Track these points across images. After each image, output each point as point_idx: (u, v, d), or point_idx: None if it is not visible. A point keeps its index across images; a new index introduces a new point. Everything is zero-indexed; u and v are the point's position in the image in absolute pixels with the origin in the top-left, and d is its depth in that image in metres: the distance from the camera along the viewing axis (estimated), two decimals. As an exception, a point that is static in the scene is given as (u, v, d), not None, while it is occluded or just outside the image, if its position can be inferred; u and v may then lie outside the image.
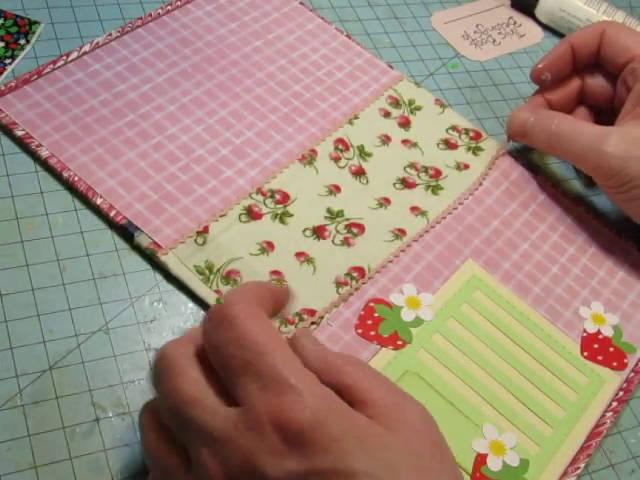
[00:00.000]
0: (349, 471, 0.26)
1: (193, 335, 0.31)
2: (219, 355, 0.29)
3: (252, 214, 0.44)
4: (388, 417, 0.29)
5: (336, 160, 0.48)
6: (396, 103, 0.52)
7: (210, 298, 0.40)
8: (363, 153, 0.49)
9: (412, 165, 0.49)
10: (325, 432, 0.27)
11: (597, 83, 0.51)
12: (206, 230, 0.43)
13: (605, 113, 0.51)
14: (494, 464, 0.38)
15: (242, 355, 0.28)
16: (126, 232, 0.42)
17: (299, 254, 0.43)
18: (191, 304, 0.41)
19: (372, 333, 0.41)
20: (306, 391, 0.28)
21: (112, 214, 0.42)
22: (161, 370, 0.30)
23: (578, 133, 0.46)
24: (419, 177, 0.48)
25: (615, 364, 0.43)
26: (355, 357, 0.33)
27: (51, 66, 0.47)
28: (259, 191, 0.45)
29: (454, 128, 0.52)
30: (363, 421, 0.28)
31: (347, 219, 0.45)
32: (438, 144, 0.51)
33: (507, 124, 0.50)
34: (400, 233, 0.45)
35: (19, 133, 0.44)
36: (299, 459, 0.27)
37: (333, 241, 0.44)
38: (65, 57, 0.48)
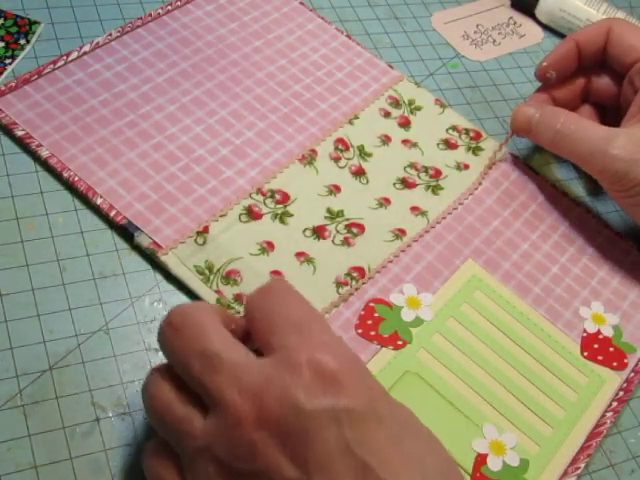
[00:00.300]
0: (378, 416, 0.28)
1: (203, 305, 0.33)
2: (261, 313, 0.31)
3: (252, 214, 0.44)
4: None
5: (336, 160, 0.48)
6: (396, 103, 0.52)
7: (210, 298, 0.40)
8: (363, 153, 0.49)
9: (412, 165, 0.49)
10: (357, 378, 0.29)
11: (602, 81, 0.50)
12: (206, 230, 0.43)
13: (610, 112, 0.51)
14: (494, 464, 0.38)
15: (287, 313, 0.31)
16: (126, 232, 0.42)
17: (299, 254, 0.43)
18: (191, 304, 0.41)
19: (372, 333, 0.41)
20: (337, 343, 0.31)
21: (112, 214, 0.42)
22: (182, 321, 0.31)
23: (584, 133, 0.45)
24: (419, 177, 0.48)
25: (615, 364, 0.43)
26: None
27: (51, 66, 0.47)
28: (259, 191, 0.45)
29: (454, 128, 0.52)
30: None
31: (347, 219, 0.45)
32: (438, 144, 0.51)
33: (511, 119, 0.49)
34: (400, 233, 0.45)
35: (19, 133, 0.44)
36: (332, 397, 0.28)
37: (333, 241, 0.44)
38: (65, 57, 0.48)
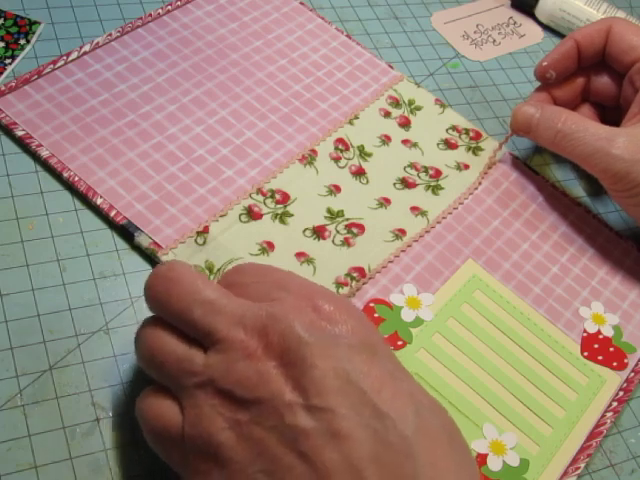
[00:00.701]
0: (375, 350, 0.31)
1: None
2: (252, 279, 0.33)
3: (252, 214, 0.44)
4: None
5: (336, 160, 0.48)
6: (396, 103, 0.52)
7: (210, 298, 0.40)
8: (363, 153, 0.49)
9: (412, 165, 0.49)
10: (355, 319, 0.31)
11: (603, 81, 0.50)
12: (206, 230, 0.43)
13: (610, 111, 0.51)
14: (494, 464, 0.38)
15: (266, 279, 0.33)
16: (126, 232, 0.42)
17: (299, 254, 0.43)
18: (191, 304, 0.41)
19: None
20: (333, 294, 0.33)
21: (112, 214, 0.42)
22: (176, 274, 0.32)
23: (585, 133, 0.45)
24: (419, 177, 0.48)
25: (615, 364, 0.43)
26: None
27: (51, 66, 0.47)
28: (259, 191, 0.45)
29: (454, 128, 0.52)
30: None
31: (347, 219, 0.45)
32: (438, 144, 0.51)
33: (511, 118, 0.49)
34: (400, 233, 0.45)
35: (19, 133, 0.44)
36: (332, 332, 0.30)
37: (333, 241, 0.44)
38: (65, 57, 0.48)
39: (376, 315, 0.42)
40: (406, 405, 0.29)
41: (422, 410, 0.29)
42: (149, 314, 0.40)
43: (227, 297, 0.32)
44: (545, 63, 0.49)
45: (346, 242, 0.44)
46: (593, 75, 0.50)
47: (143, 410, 0.32)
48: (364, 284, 0.43)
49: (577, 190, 0.52)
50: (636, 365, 0.43)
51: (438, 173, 0.49)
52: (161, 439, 0.31)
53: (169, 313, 0.32)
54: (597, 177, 0.46)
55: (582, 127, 0.45)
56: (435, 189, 0.48)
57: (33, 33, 0.50)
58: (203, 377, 0.30)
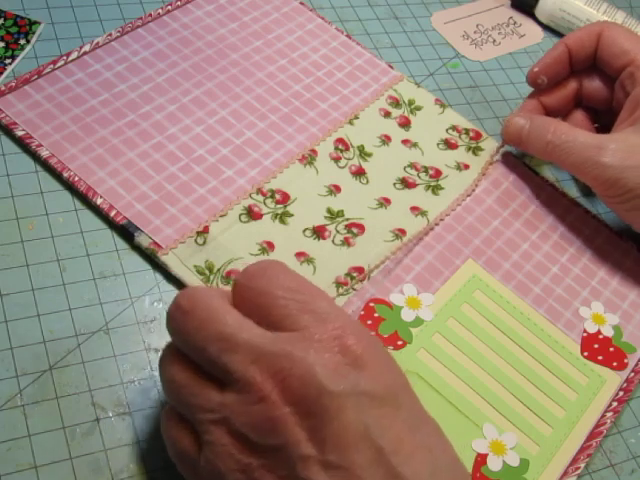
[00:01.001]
0: (398, 403, 0.29)
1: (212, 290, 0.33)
2: (267, 299, 0.31)
3: (252, 214, 0.44)
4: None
5: (336, 160, 0.48)
6: (396, 103, 0.52)
7: (210, 298, 0.40)
8: (363, 153, 0.49)
9: (412, 165, 0.49)
10: (381, 362, 0.30)
11: (595, 85, 0.50)
12: (206, 230, 0.43)
13: (603, 115, 0.51)
14: (494, 464, 0.38)
15: (294, 297, 0.30)
16: (126, 232, 0.42)
17: (299, 254, 0.43)
18: (191, 304, 0.41)
19: (372, 333, 0.41)
20: (360, 329, 0.31)
21: (112, 214, 0.42)
22: (192, 304, 0.31)
23: (574, 142, 0.45)
24: (419, 177, 0.48)
25: (615, 364, 0.43)
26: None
27: (51, 66, 0.47)
28: (259, 191, 0.45)
29: (454, 128, 0.52)
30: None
31: (347, 219, 0.45)
32: (438, 144, 0.51)
33: (503, 130, 0.49)
34: (400, 233, 0.45)
35: (19, 133, 0.44)
36: (356, 380, 0.28)
37: (333, 241, 0.44)
38: (65, 57, 0.48)
39: (376, 315, 0.42)
40: (423, 464, 0.28)
41: (439, 470, 0.29)
42: (149, 314, 0.40)
43: (244, 330, 0.30)
44: (536, 69, 0.49)
45: (346, 242, 0.44)
46: (585, 79, 0.50)
47: (166, 430, 0.32)
48: (361, 280, 0.43)
49: (577, 190, 0.52)
50: (636, 365, 0.43)
51: (438, 173, 0.49)
52: (182, 459, 0.31)
53: (186, 348, 0.31)
54: (589, 185, 0.46)
55: (571, 137, 0.45)
56: (435, 189, 0.48)
57: (33, 33, 0.50)
58: (219, 415, 0.29)
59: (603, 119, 0.51)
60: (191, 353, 0.31)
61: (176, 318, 0.31)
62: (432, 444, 0.29)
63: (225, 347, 0.29)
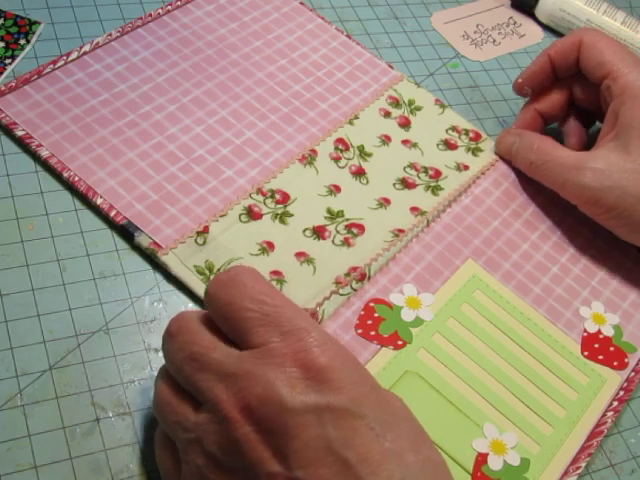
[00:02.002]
0: (361, 414, 0.28)
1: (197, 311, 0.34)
2: (232, 310, 0.31)
3: (252, 214, 0.44)
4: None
5: (336, 160, 0.48)
6: (396, 103, 0.52)
7: (210, 298, 0.40)
8: (363, 153, 0.49)
9: (412, 165, 0.49)
10: (343, 373, 0.29)
11: (583, 90, 0.50)
12: (206, 230, 0.42)
13: (598, 115, 0.51)
14: (495, 464, 0.38)
15: (259, 309, 0.30)
16: (126, 232, 0.42)
17: (299, 254, 0.43)
18: (191, 304, 0.41)
19: (372, 333, 0.41)
20: (326, 336, 0.30)
21: (112, 214, 0.42)
22: (176, 328, 0.32)
23: (554, 163, 0.46)
24: (419, 177, 0.48)
25: (616, 364, 0.43)
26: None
27: (51, 66, 0.47)
28: (259, 191, 0.45)
29: (454, 128, 0.52)
30: (372, 376, 0.31)
31: (347, 219, 0.45)
32: (438, 144, 0.51)
33: (496, 145, 0.51)
34: (400, 233, 0.45)
35: (19, 133, 0.44)
36: (317, 394, 0.28)
37: (333, 241, 0.44)
38: (65, 57, 0.48)
39: (376, 315, 0.42)
40: (393, 471, 0.28)
41: (409, 474, 0.28)
42: (149, 314, 0.40)
43: (216, 350, 0.30)
44: (520, 80, 0.50)
45: (346, 242, 0.44)
46: (574, 84, 0.50)
47: (156, 449, 0.33)
48: (361, 281, 0.43)
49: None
50: (636, 365, 0.43)
51: (438, 173, 0.49)
52: (168, 477, 0.32)
53: (172, 369, 0.32)
54: (572, 202, 0.46)
55: (554, 156, 0.46)
56: (435, 189, 0.48)
57: (33, 33, 0.50)
58: (193, 434, 0.30)
59: (598, 119, 0.51)
60: (174, 374, 0.32)
61: (165, 341, 0.32)
62: (403, 448, 0.29)
63: (197, 367, 0.30)
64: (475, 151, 0.51)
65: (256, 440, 0.28)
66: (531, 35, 0.62)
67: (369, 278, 0.43)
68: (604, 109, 0.48)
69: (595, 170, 0.44)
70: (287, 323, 0.30)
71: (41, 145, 0.44)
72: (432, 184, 0.48)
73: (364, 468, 0.27)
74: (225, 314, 0.31)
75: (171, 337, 0.32)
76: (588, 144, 0.49)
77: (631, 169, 0.43)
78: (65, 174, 0.43)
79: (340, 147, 0.49)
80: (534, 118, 0.51)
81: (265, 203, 0.45)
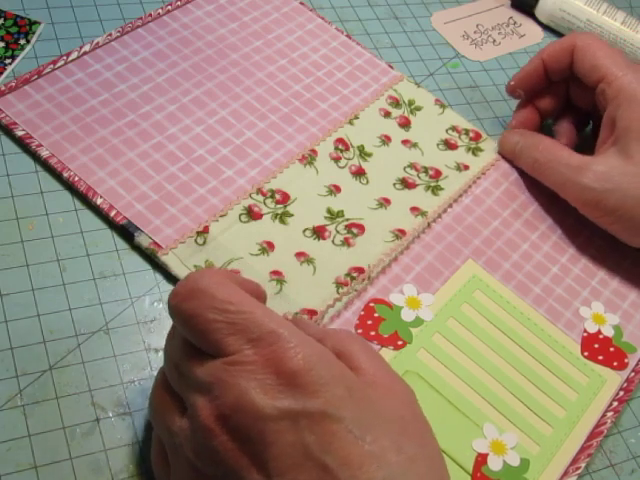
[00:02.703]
0: (338, 416, 0.28)
1: None
2: (197, 323, 0.30)
3: (252, 214, 0.44)
4: (377, 386, 0.31)
5: (336, 160, 0.48)
6: (396, 103, 0.52)
7: (210, 298, 0.40)
8: (363, 153, 0.49)
9: (412, 165, 0.49)
10: (317, 376, 0.28)
11: (578, 91, 0.50)
12: (206, 230, 0.42)
13: (593, 115, 0.51)
14: (495, 464, 0.38)
15: (225, 318, 0.29)
16: (126, 232, 0.42)
17: (299, 254, 0.43)
18: (191, 304, 0.41)
19: (372, 333, 0.41)
20: (297, 339, 0.29)
21: (112, 214, 0.42)
22: (169, 331, 0.32)
23: (558, 163, 0.46)
24: (419, 177, 0.48)
25: (615, 364, 0.43)
26: (354, 334, 0.34)
27: (51, 66, 0.47)
28: (259, 191, 0.45)
29: (454, 128, 0.52)
30: (351, 373, 0.30)
31: (347, 219, 0.45)
32: (438, 144, 0.51)
33: (499, 144, 0.51)
34: (400, 233, 0.45)
35: (19, 133, 0.44)
36: (291, 399, 0.28)
37: (333, 241, 0.44)
38: (65, 57, 0.48)
39: (376, 315, 0.42)
40: (374, 472, 0.27)
41: (392, 475, 0.28)
42: (149, 314, 0.40)
43: (191, 358, 0.30)
44: (512, 82, 0.51)
45: (346, 242, 0.44)
46: (570, 85, 0.51)
47: (152, 449, 0.33)
48: (363, 280, 0.43)
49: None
50: (636, 365, 0.43)
51: (438, 173, 0.49)
52: (161, 478, 0.32)
53: (165, 372, 0.32)
54: (571, 204, 0.47)
55: (556, 157, 0.46)
56: (435, 189, 0.48)
57: (33, 33, 0.50)
58: (177, 440, 0.30)
59: (595, 119, 0.51)
60: (168, 378, 0.32)
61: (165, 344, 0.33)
62: (384, 448, 0.28)
63: (179, 374, 0.30)
64: (475, 151, 0.51)
65: (233, 449, 0.28)
66: (531, 35, 0.62)
67: (369, 278, 0.43)
68: (600, 111, 0.48)
69: (596, 172, 0.44)
70: (255, 329, 0.29)
71: (41, 145, 0.44)
72: (432, 184, 0.48)
73: (344, 472, 0.27)
74: (191, 328, 0.30)
75: (166, 340, 0.32)
76: (579, 146, 0.50)
77: (632, 172, 0.43)
78: (65, 174, 0.43)
79: (340, 147, 0.49)
80: (531, 114, 0.51)
81: (265, 203, 0.45)
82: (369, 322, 0.41)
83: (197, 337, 0.30)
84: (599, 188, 0.44)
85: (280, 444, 0.27)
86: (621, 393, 0.42)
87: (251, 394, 0.28)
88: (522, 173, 0.50)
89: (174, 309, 0.31)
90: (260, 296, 0.34)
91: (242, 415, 0.28)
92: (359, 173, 0.48)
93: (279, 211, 0.45)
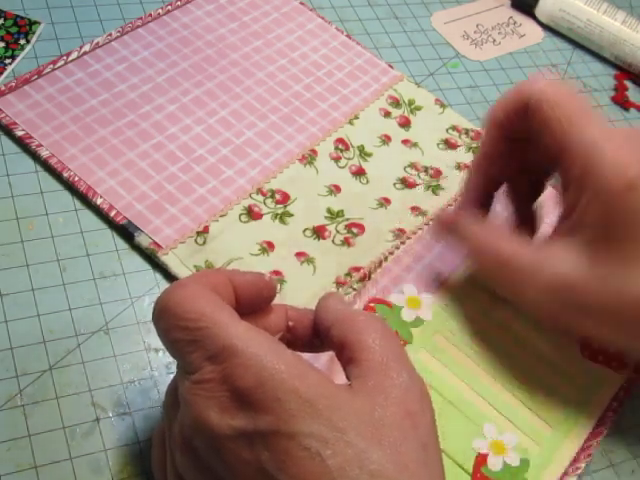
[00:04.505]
0: (290, 432, 0.27)
1: None
2: (167, 343, 0.30)
3: (252, 214, 0.44)
4: (367, 380, 0.29)
5: (336, 160, 0.48)
6: (396, 103, 0.52)
7: (210, 298, 0.40)
8: (363, 153, 0.49)
9: (412, 165, 0.49)
10: (267, 392, 0.27)
11: (535, 159, 0.41)
12: (206, 230, 0.42)
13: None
14: (495, 464, 0.38)
15: (185, 336, 0.29)
16: (126, 232, 0.42)
17: (299, 254, 0.43)
18: (191, 304, 0.41)
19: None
20: (249, 353, 0.28)
21: (112, 214, 0.42)
22: None
23: (509, 266, 0.38)
24: (419, 177, 0.48)
25: (615, 364, 0.43)
26: (377, 316, 0.33)
27: (51, 66, 0.47)
28: (259, 191, 0.45)
29: (454, 128, 0.52)
30: (314, 380, 0.28)
31: (347, 219, 0.45)
32: (438, 144, 0.51)
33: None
34: (400, 233, 0.45)
35: (19, 133, 0.44)
36: (245, 418, 0.27)
37: (333, 241, 0.44)
38: (65, 57, 0.48)
39: (376, 315, 0.42)
40: None
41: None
42: (149, 314, 0.40)
43: (175, 377, 0.31)
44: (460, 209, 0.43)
45: (346, 242, 0.44)
46: (526, 154, 0.41)
47: (152, 459, 0.34)
48: (362, 280, 0.43)
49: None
50: (636, 365, 0.43)
51: (438, 173, 0.49)
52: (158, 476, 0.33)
53: None
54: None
55: (502, 259, 0.39)
56: (435, 189, 0.48)
57: (33, 33, 0.50)
58: (170, 444, 0.30)
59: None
60: None
61: None
62: (344, 462, 0.26)
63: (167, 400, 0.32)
64: (476, 150, 0.51)
65: (195, 469, 0.28)
66: (531, 35, 0.62)
67: (369, 278, 0.43)
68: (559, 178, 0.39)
69: (557, 274, 0.36)
70: (212, 346, 0.28)
71: (41, 145, 0.44)
72: (432, 184, 0.48)
73: None
74: (164, 344, 0.30)
75: None
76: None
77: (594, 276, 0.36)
78: (65, 174, 0.43)
79: (340, 147, 0.49)
80: (481, 185, 0.43)
81: (265, 203, 0.45)
82: (369, 322, 0.41)
83: (171, 354, 0.31)
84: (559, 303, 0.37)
85: (236, 463, 0.27)
86: (621, 393, 0.42)
87: (208, 414, 0.27)
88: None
89: (155, 324, 0.31)
90: (263, 287, 0.33)
91: (200, 436, 0.28)
92: (359, 173, 0.48)
93: (279, 211, 0.45)
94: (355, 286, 0.42)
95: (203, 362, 0.28)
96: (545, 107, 0.37)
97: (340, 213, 0.46)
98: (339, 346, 0.31)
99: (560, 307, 0.37)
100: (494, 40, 0.61)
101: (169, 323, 0.29)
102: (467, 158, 0.50)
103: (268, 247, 0.43)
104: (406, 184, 0.48)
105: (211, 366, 0.28)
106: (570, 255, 0.36)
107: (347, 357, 0.30)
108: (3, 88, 0.46)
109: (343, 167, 0.48)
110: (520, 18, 0.63)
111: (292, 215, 0.45)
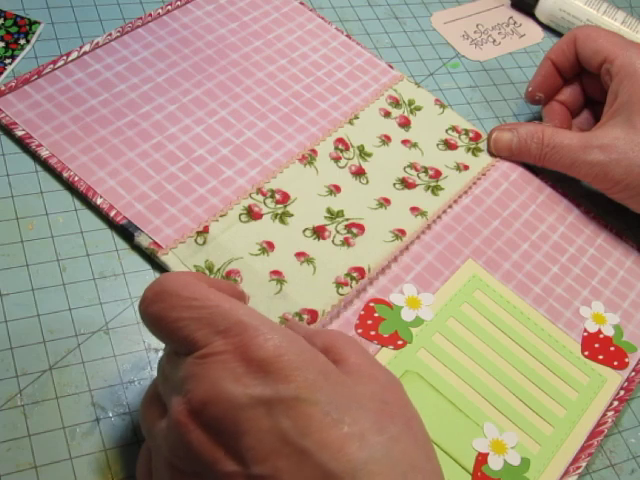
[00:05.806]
0: (312, 399, 0.27)
1: None
2: (165, 324, 0.30)
3: (252, 214, 0.44)
4: (360, 373, 0.30)
5: (336, 160, 0.48)
6: (396, 103, 0.52)
7: (210, 298, 0.40)
8: (363, 153, 0.49)
9: (412, 165, 0.49)
10: (288, 361, 0.28)
11: (592, 83, 0.52)
12: (206, 230, 0.42)
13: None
14: (495, 463, 0.38)
15: (190, 314, 0.29)
16: (126, 232, 0.42)
17: (299, 254, 0.43)
18: (191, 304, 0.41)
19: (372, 333, 0.41)
20: (265, 327, 0.29)
21: (112, 214, 0.42)
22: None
23: (561, 146, 0.48)
24: (419, 177, 0.48)
25: (616, 363, 0.43)
26: (344, 333, 0.34)
27: (51, 66, 0.47)
28: (259, 191, 0.45)
29: (454, 128, 0.52)
30: (324, 359, 0.29)
31: (347, 219, 0.45)
32: (438, 144, 0.51)
33: (490, 144, 0.51)
34: (400, 233, 0.45)
35: (19, 133, 0.44)
36: (263, 386, 0.27)
37: (333, 241, 0.44)
38: (65, 57, 0.48)
39: (376, 315, 0.42)
40: (355, 454, 0.27)
41: (374, 456, 0.27)
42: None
43: (167, 359, 0.30)
44: (530, 88, 0.53)
45: (346, 242, 0.44)
46: (584, 78, 0.52)
47: (137, 467, 0.33)
48: (362, 278, 0.43)
49: (577, 190, 0.52)
50: (637, 364, 0.43)
51: (438, 173, 0.49)
52: None
53: None
54: (584, 181, 0.49)
55: (558, 140, 0.48)
56: (435, 189, 0.48)
57: (33, 33, 0.50)
58: (157, 441, 0.30)
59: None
60: None
61: None
62: (364, 429, 0.27)
63: (162, 377, 0.31)
64: (475, 151, 0.51)
65: (207, 442, 0.27)
66: (531, 35, 0.62)
67: (369, 278, 0.43)
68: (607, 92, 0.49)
69: (602, 146, 0.46)
70: (222, 321, 0.29)
71: (41, 145, 0.44)
72: (432, 184, 0.48)
73: (324, 455, 0.26)
74: (160, 330, 0.30)
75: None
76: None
77: (637, 142, 0.45)
78: (65, 174, 0.43)
79: (340, 147, 0.49)
80: (561, 108, 0.52)
81: (265, 203, 0.45)
82: (369, 322, 0.41)
83: (168, 339, 0.30)
84: (606, 160, 0.46)
85: (255, 432, 0.27)
86: (621, 392, 0.42)
87: (223, 384, 0.27)
88: (522, 173, 0.50)
89: (143, 314, 0.30)
90: (237, 295, 0.33)
91: (214, 406, 0.27)
92: (359, 173, 0.48)
93: (279, 211, 0.45)
94: (355, 286, 0.42)
95: (213, 337, 0.28)
96: (594, 34, 0.49)
97: (340, 213, 0.46)
98: (323, 351, 0.31)
99: (607, 170, 0.46)
100: (494, 40, 0.61)
101: (170, 304, 0.29)
102: (467, 158, 0.50)
103: (268, 247, 0.43)
104: (406, 184, 0.48)
105: (223, 340, 0.28)
106: (614, 129, 0.46)
107: (332, 360, 0.31)
108: (3, 88, 0.46)
109: (343, 167, 0.48)
110: (520, 18, 0.63)
111: (292, 215, 0.45)
